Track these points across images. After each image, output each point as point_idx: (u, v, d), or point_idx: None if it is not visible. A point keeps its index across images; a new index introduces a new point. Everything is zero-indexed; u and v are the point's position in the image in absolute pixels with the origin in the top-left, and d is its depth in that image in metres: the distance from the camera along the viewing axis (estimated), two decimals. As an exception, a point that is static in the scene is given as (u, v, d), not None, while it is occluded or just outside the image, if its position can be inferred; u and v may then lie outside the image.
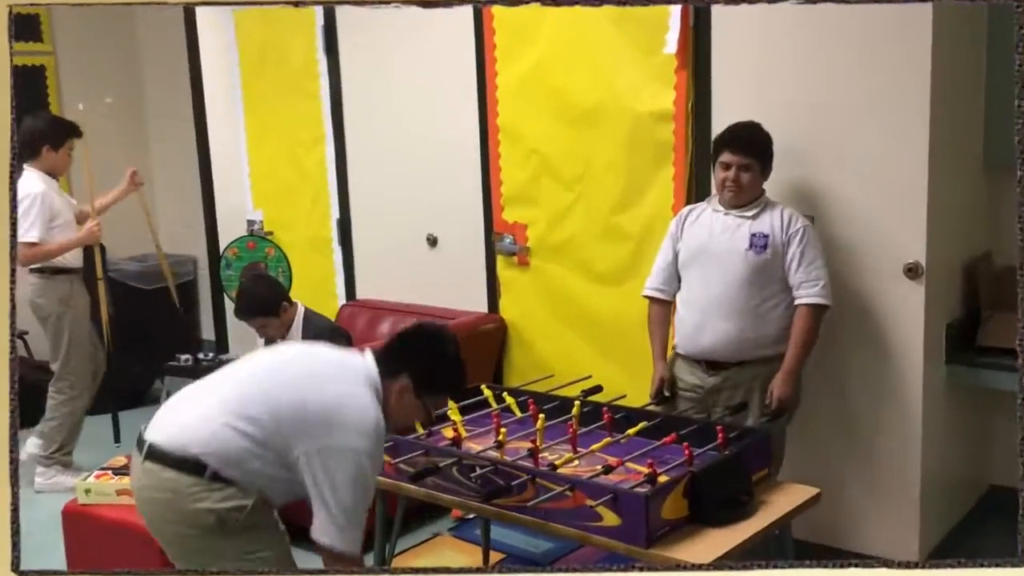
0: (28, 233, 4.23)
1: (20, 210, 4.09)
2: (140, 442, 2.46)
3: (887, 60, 3.26)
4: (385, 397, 2.41)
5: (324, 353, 2.53)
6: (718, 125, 3.55)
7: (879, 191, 3.34)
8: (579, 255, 4.13)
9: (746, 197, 3.23)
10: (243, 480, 2.35)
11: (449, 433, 3.09)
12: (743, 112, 3.47)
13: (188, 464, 2.34)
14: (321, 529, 2.32)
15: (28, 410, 5.52)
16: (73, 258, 4.52)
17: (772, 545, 2.90)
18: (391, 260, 4.77)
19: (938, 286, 3.39)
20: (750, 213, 3.23)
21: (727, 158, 3.21)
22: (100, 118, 5.28)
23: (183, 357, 5.14)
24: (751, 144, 3.19)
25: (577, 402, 3.20)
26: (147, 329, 5.88)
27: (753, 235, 3.19)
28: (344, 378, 2.40)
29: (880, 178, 3.33)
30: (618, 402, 3.27)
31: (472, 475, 2.81)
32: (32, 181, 4.34)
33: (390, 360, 2.45)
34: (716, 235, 3.25)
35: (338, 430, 2.30)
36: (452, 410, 3.25)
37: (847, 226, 3.41)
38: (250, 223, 5.27)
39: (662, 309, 3.42)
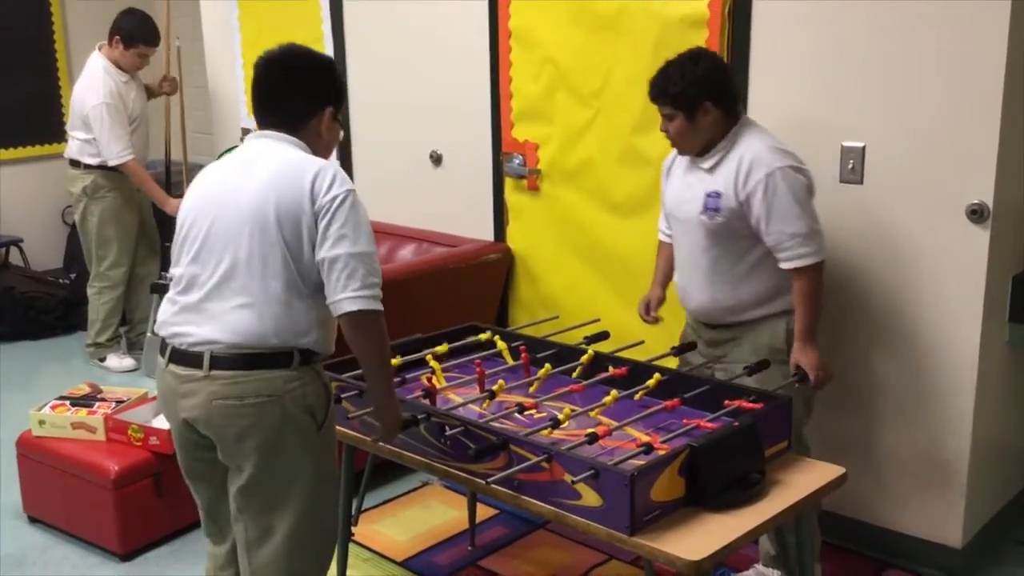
0: None
1: None
2: (183, 353, 2.23)
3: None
4: (311, 139, 2.34)
5: (253, 163, 2.29)
6: (759, 33, 3.15)
7: (942, 118, 2.88)
8: (595, 181, 3.71)
9: (690, 146, 2.82)
10: (322, 347, 2.27)
11: (426, 381, 2.72)
12: (789, 18, 3.09)
13: (275, 358, 2.20)
14: (352, 297, 2.16)
15: (18, 322, 5.38)
16: (84, 154, 4.83)
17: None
18: (392, 177, 4.37)
19: (1005, 232, 2.98)
20: (707, 164, 2.80)
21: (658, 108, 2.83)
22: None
23: (168, 275, 4.82)
24: (663, 94, 2.77)
25: (585, 355, 2.87)
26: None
27: (707, 195, 2.78)
28: (290, 159, 2.26)
29: (945, 103, 2.87)
30: (629, 351, 2.92)
31: (443, 437, 2.45)
32: None
33: (303, 107, 2.34)
34: (681, 193, 2.89)
35: (307, 199, 2.19)
36: (435, 353, 2.90)
37: (902, 157, 2.98)
38: (244, 131, 4.88)
39: (669, 247, 3.08)
